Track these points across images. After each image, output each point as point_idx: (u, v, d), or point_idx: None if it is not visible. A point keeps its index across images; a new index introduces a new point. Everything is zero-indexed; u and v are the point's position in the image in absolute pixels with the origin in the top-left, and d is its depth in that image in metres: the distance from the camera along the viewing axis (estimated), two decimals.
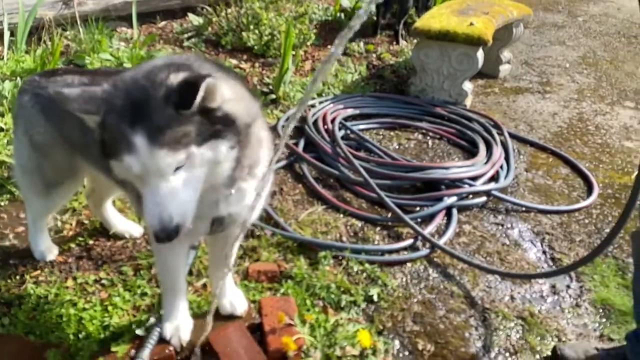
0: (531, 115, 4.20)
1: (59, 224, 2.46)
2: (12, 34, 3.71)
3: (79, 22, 4.02)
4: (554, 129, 4.00)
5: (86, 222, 2.48)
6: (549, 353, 2.08)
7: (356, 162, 2.91)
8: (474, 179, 3.01)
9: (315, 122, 3.45)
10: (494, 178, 3.12)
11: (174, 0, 4.71)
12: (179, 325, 1.80)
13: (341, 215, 2.72)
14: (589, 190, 3.19)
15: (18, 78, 3.22)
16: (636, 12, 7.83)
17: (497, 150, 3.33)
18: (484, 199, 2.95)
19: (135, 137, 1.14)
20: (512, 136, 3.69)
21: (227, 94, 1.25)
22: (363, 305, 2.21)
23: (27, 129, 1.87)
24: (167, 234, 1.20)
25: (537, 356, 2.08)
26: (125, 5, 4.31)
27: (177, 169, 1.19)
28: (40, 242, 2.23)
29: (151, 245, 1.89)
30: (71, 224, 2.48)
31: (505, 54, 4.85)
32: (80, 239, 2.38)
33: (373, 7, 5.48)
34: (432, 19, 4.00)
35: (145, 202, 1.21)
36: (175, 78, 1.17)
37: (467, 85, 4.04)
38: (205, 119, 1.19)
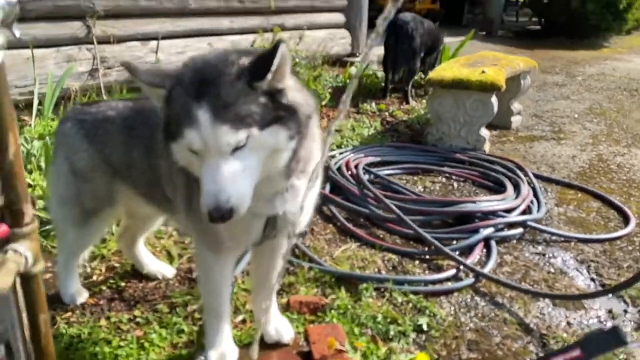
0: (550, 158, 4.21)
1: (88, 269, 2.38)
2: (40, 103, 3.84)
3: (103, 92, 4.17)
4: (576, 169, 3.99)
5: (117, 265, 2.40)
6: None
7: (387, 201, 2.87)
8: (507, 211, 2.95)
9: (338, 169, 3.45)
10: (526, 212, 3.05)
11: None
12: (225, 353, 1.68)
13: (376, 251, 2.63)
14: (625, 220, 3.11)
15: (47, 138, 3.28)
16: (632, 71, 8.14)
17: (525, 187, 3.30)
18: (520, 230, 2.87)
19: (199, 110, 1.13)
20: (536, 176, 3.66)
21: (291, 82, 1.26)
22: (413, 335, 2.06)
23: (68, 155, 1.86)
24: (221, 213, 1.14)
25: None
26: None
27: (237, 149, 1.16)
28: (70, 284, 2.14)
29: (196, 261, 1.78)
30: (101, 270, 2.39)
31: (516, 105, 4.96)
32: (112, 281, 2.28)
33: (381, 73, 5.72)
34: (444, 71, 4.14)
35: (203, 182, 1.17)
36: (247, 59, 1.20)
37: (484, 132, 4.09)
38: (270, 102, 1.19)
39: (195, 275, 2.32)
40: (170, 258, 2.49)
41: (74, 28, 4.01)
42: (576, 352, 1.43)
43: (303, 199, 1.39)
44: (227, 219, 1.16)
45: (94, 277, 2.34)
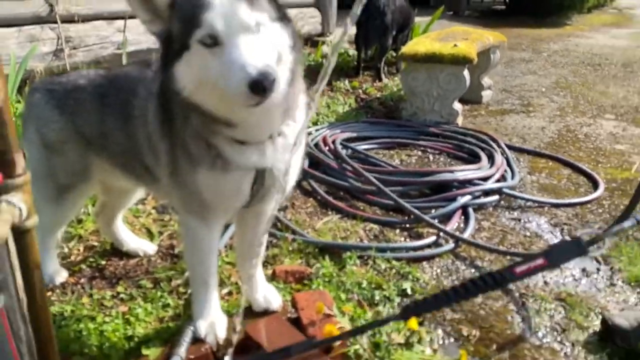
0: (521, 130, 4.30)
1: (66, 250, 2.33)
2: None
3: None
4: (545, 139, 4.09)
5: (96, 244, 2.35)
6: (597, 328, 2.00)
7: (367, 173, 2.89)
8: (483, 180, 3.01)
9: (316, 145, 3.45)
10: (500, 180, 3.12)
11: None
12: (214, 322, 1.67)
13: (357, 222, 2.65)
14: (594, 185, 3.22)
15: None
16: (594, 47, 8.36)
17: (499, 157, 3.37)
18: (496, 197, 2.94)
19: None
20: (509, 147, 3.74)
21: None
22: (397, 299, 2.10)
23: (39, 127, 1.79)
24: (266, 78, 1.11)
25: (586, 332, 1.99)
26: (114, 57, 4.36)
27: (257, 27, 1.19)
28: (48, 264, 2.08)
29: (182, 231, 1.72)
30: (79, 249, 2.34)
31: (486, 80, 5.04)
32: (91, 260, 2.24)
33: (353, 51, 5.71)
34: (417, 45, 4.16)
35: (233, 59, 1.14)
36: None
37: (457, 105, 4.15)
38: (272, 2, 1.27)
39: (178, 250, 2.30)
40: (150, 236, 2.45)
41: (36, 6, 3.85)
42: (540, 261, 1.48)
43: (291, 153, 1.40)
44: (269, 89, 1.13)
45: (72, 258, 2.29)
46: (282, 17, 1.28)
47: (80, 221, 2.49)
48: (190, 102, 1.28)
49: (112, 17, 4.34)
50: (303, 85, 1.43)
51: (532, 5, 11.38)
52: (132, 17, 4.35)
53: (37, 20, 3.87)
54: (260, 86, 1.12)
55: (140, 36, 4.52)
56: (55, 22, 3.94)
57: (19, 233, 0.76)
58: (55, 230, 2.04)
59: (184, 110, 1.38)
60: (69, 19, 4.03)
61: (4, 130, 0.71)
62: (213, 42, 1.17)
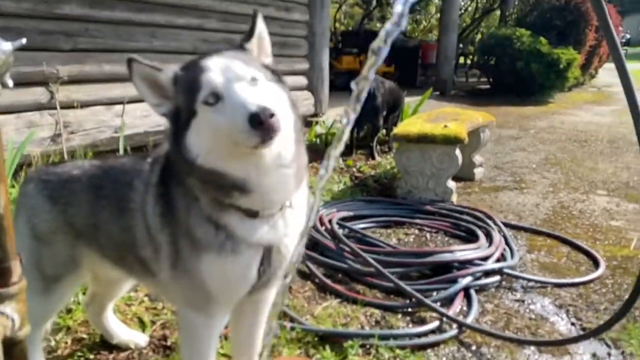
0: (516, 206, 4.32)
1: (53, 343, 2.21)
2: None
3: (66, 158, 4.06)
4: (541, 216, 4.10)
5: (84, 336, 2.24)
6: None
7: (365, 254, 2.84)
8: (483, 259, 2.97)
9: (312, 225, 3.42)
10: (500, 260, 3.08)
11: (158, 136, 4.88)
12: None
13: (358, 306, 2.57)
14: (595, 263, 3.18)
15: None
16: (578, 123, 8.64)
17: (497, 235, 3.35)
18: (497, 278, 2.88)
19: (211, 60, 1.28)
20: (505, 224, 3.73)
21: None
22: None
23: (30, 218, 1.75)
24: (264, 111, 1.15)
25: None
26: (111, 140, 4.42)
27: (253, 81, 1.26)
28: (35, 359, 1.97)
29: (180, 326, 1.63)
30: (66, 342, 2.22)
31: (477, 158, 5.13)
32: (79, 354, 2.12)
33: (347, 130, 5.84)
34: (409, 126, 4.27)
35: (234, 103, 1.20)
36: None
37: (451, 183, 4.19)
38: (267, 68, 1.36)
39: (171, 341, 2.19)
40: (142, 325, 2.34)
41: (37, 94, 3.95)
42: None
43: (304, 231, 1.38)
44: (271, 124, 1.16)
45: (59, 351, 2.17)
46: (278, 80, 1.36)
47: (69, 311, 2.39)
48: (205, 170, 1.28)
49: (110, 102, 4.45)
50: (306, 157, 1.43)
51: (515, 85, 11.89)
52: (130, 102, 4.48)
53: (37, 107, 3.96)
54: (258, 119, 1.15)
55: (136, 120, 4.63)
56: (55, 108, 4.02)
57: (11, 345, 0.71)
58: (42, 324, 1.94)
59: (189, 195, 1.37)
60: (69, 105, 4.12)
61: (4, 238, 0.68)
62: (215, 99, 1.23)
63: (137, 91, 1.34)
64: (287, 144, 1.31)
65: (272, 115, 1.15)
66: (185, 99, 1.28)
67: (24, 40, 0.75)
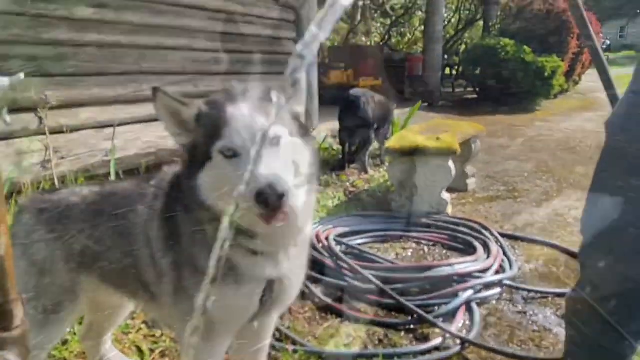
0: (511, 216, 4.33)
1: None
2: None
3: (56, 183, 4.00)
4: (536, 225, 4.11)
5: None
6: None
7: (365, 272, 2.82)
8: (482, 272, 2.95)
9: None
10: (499, 271, 3.06)
11: (149, 157, 4.84)
12: None
13: (360, 325, 2.54)
14: None
15: None
16: (567, 130, 8.72)
17: (494, 246, 3.34)
18: (498, 290, 2.86)
19: (239, 105, 1.25)
20: (502, 235, 3.73)
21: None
22: None
23: (27, 249, 1.71)
24: (275, 194, 1.10)
25: None
26: (102, 164, 4.37)
27: (275, 140, 1.22)
28: None
29: (182, 349, 1.62)
30: None
31: (470, 169, 5.15)
32: None
33: (337, 146, 5.85)
34: (401, 139, 4.27)
35: (246, 170, 1.14)
36: None
37: (446, 195, 4.19)
38: (292, 118, 1.33)
39: None
40: (140, 354, 2.29)
41: (25, 121, 3.90)
42: None
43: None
44: (277, 206, 1.12)
45: None
46: (304, 134, 1.32)
47: (65, 342, 2.32)
48: (213, 211, 1.26)
49: (100, 125, 4.41)
50: (315, 195, 1.43)
51: (501, 94, 12.01)
52: (120, 124, 4.44)
53: (26, 134, 3.90)
54: (265, 199, 1.11)
55: (127, 143, 4.59)
56: (44, 134, 3.97)
57: None
58: (40, 357, 1.89)
59: (195, 224, 1.35)
60: (58, 130, 4.07)
61: (5, 281, 0.65)
62: (232, 153, 1.21)
63: (159, 119, 1.34)
64: (298, 203, 1.26)
65: (281, 196, 1.12)
66: (204, 140, 1.27)
67: (22, 76, 0.73)
